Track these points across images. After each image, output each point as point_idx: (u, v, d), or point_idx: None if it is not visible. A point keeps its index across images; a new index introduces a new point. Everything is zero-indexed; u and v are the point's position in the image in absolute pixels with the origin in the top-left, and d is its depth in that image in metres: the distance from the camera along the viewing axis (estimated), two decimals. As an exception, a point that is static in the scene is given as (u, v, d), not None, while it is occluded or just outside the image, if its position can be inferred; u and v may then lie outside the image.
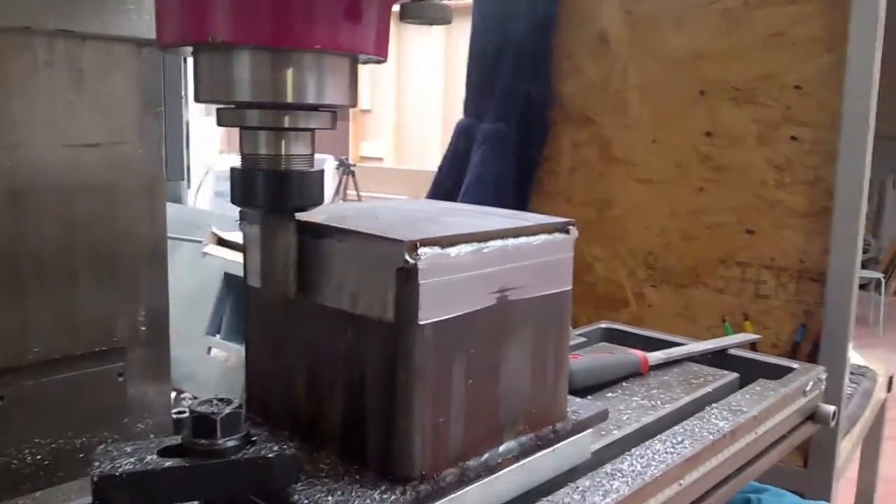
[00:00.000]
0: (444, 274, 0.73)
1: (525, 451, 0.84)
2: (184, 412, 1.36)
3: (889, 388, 2.86)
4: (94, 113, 1.12)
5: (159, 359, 1.26)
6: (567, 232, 0.87)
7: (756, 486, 1.48)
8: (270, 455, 0.70)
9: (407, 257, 0.69)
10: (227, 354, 2.99)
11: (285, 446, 0.72)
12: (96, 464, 0.69)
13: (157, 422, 1.24)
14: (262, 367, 0.86)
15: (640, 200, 2.34)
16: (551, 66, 2.40)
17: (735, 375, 1.29)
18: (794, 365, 1.34)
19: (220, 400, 0.73)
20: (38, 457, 1.10)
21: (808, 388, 1.28)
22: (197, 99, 0.73)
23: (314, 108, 0.73)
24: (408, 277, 0.70)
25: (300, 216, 0.77)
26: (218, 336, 3.06)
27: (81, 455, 1.11)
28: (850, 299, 2.00)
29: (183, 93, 1.52)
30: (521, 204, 2.40)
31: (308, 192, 0.75)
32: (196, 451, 0.70)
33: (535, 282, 0.83)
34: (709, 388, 1.21)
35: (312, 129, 0.75)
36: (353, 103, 0.76)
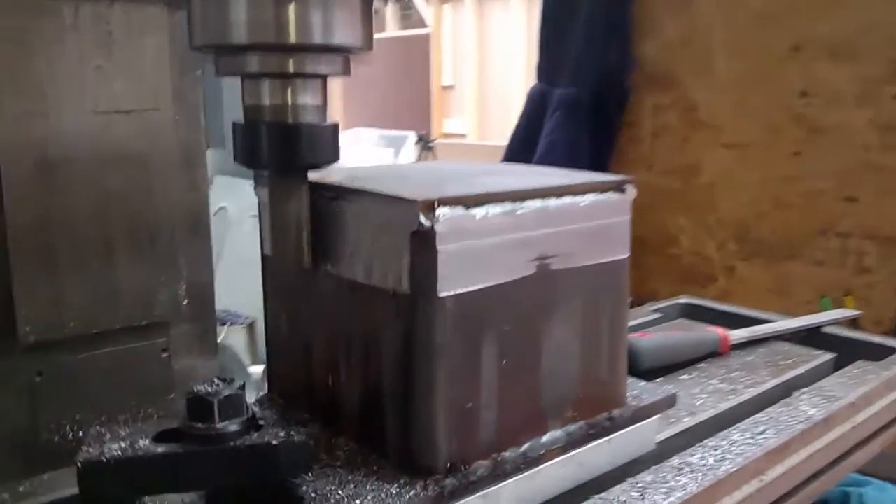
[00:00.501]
0: (469, 238, 0.63)
1: (574, 442, 0.73)
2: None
3: None
4: (125, 78, 1.06)
5: (205, 333, 1.21)
6: (623, 191, 0.75)
7: (857, 479, 1.33)
8: (275, 442, 0.63)
9: (422, 219, 0.60)
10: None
11: (293, 432, 0.64)
12: (84, 447, 0.62)
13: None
14: (281, 344, 0.79)
15: (728, 167, 2.17)
16: (629, 25, 2.25)
17: (831, 356, 1.14)
18: (899, 344, 1.19)
19: (223, 380, 0.66)
20: (81, 434, 1.06)
21: (916, 371, 1.13)
22: (192, 45, 0.65)
23: (323, 49, 0.64)
24: (424, 242, 0.61)
25: (313, 177, 0.68)
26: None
27: (127, 433, 1.07)
28: (967, 272, 1.80)
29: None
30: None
31: (320, 147, 0.66)
32: (192, 437, 0.63)
33: (584, 248, 0.72)
34: (799, 371, 1.08)
35: (323, 76, 0.66)
36: (368, 45, 0.66)
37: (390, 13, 6.40)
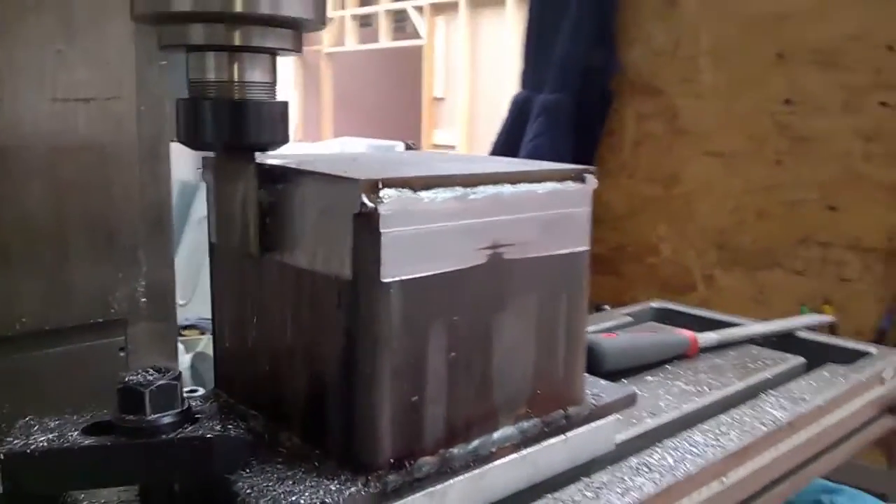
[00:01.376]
0: (416, 223, 0.60)
1: (528, 439, 0.71)
2: (196, 390, 1.29)
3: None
4: (87, 64, 1.04)
5: (165, 333, 1.18)
6: (583, 180, 0.73)
7: (829, 486, 1.31)
8: (210, 435, 0.60)
9: (365, 199, 0.57)
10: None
11: (231, 426, 0.61)
12: (10, 438, 0.59)
13: (160, 399, 1.15)
14: (227, 336, 0.76)
15: (710, 175, 2.16)
16: (615, 31, 2.24)
17: (800, 360, 1.12)
18: (872, 349, 1.17)
19: (158, 370, 0.63)
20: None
21: (888, 376, 1.11)
22: (133, 15, 0.63)
23: (271, 21, 0.61)
24: (367, 224, 0.58)
25: (260, 159, 0.66)
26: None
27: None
28: (946, 282, 1.78)
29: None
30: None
31: (268, 126, 0.64)
32: (123, 429, 0.60)
33: (541, 239, 0.70)
34: (767, 374, 1.06)
35: (272, 51, 0.63)
36: (321, 19, 0.64)
37: (384, 24, 6.40)
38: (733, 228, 2.13)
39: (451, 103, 7.34)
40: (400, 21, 6.96)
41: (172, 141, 1.17)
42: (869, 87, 1.91)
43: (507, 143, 2.28)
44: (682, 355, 1.10)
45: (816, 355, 1.15)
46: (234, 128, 0.63)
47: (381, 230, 0.58)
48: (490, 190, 0.66)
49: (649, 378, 1.03)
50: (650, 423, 0.88)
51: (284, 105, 0.65)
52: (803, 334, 1.25)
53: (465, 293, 0.65)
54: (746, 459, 0.85)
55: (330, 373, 0.63)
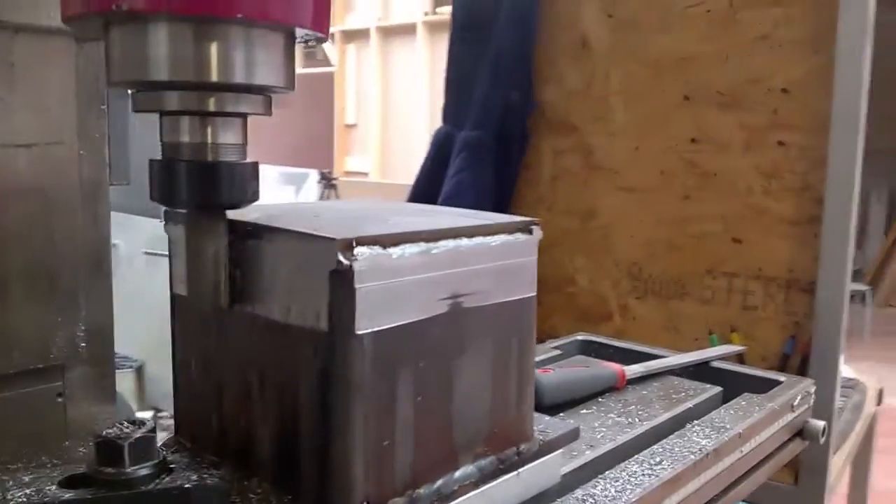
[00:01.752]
0: (386, 277, 0.65)
1: (485, 477, 0.75)
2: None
3: (879, 402, 2.79)
4: (27, 111, 1.04)
5: (103, 378, 1.17)
6: (530, 232, 0.79)
7: (745, 508, 1.39)
8: (188, 485, 0.62)
9: (341, 257, 0.61)
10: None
11: (206, 475, 0.64)
12: (-15, 495, 0.60)
13: (100, 445, 1.14)
14: (191, 386, 0.78)
15: (624, 209, 2.27)
16: (532, 71, 2.34)
17: (718, 389, 1.21)
18: (781, 378, 1.27)
19: (133, 422, 0.65)
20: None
21: (795, 403, 1.20)
22: (110, 82, 0.65)
23: (244, 89, 0.65)
24: (342, 280, 0.62)
25: (230, 214, 0.69)
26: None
27: (10, 482, 1.02)
28: (840, 310, 1.93)
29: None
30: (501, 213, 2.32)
31: (240, 186, 0.67)
32: (102, 481, 0.61)
33: (494, 287, 0.75)
34: (690, 404, 1.13)
35: (244, 115, 0.67)
36: (290, 86, 0.67)
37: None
38: (645, 260, 2.24)
39: (363, 130, 7.39)
40: (310, 48, 6.98)
41: (111, 185, 1.17)
42: (767, 127, 2.05)
43: (430, 178, 2.33)
44: (612, 387, 1.17)
45: (730, 383, 1.24)
46: (208, 188, 0.65)
47: (356, 286, 0.62)
48: (450, 244, 0.70)
49: (584, 411, 1.09)
50: (589, 454, 0.94)
51: (254, 165, 0.68)
52: (717, 364, 1.34)
53: (428, 341, 0.69)
54: (679, 486, 0.91)
55: (303, 420, 0.66)
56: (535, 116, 2.36)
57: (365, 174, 6.98)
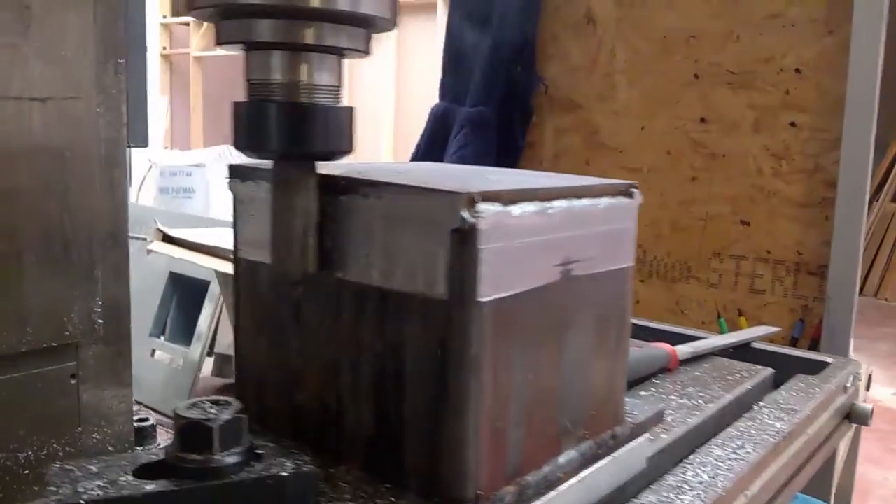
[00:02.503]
0: (506, 238, 0.57)
1: (585, 462, 0.69)
2: (146, 419, 1.18)
3: (867, 386, 2.79)
4: (42, 60, 0.93)
5: (119, 358, 1.07)
6: (631, 196, 0.72)
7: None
8: (285, 474, 0.54)
9: (465, 214, 0.54)
10: (170, 357, 2.78)
11: (299, 461, 0.55)
12: (53, 488, 0.51)
13: (116, 432, 1.04)
14: (258, 361, 0.69)
15: (627, 190, 2.22)
16: (536, 48, 2.27)
17: (770, 371, 1.16)
18: (828, 359, 1.22)
19: (214, 402, 0.56)
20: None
21: (848, 384, 1.16)
22: (191, 7, 0.56)
23: (347, 19, 0.56)
24: (465, 241, 0.54)
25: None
26: (162, 338, 2.84)
27: (27, 472, 0.92)
28: (852, 293, 1.90)
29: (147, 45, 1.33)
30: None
31: (336, 134, 0.59)
32: (186, 470, 0.53)
33: (600, 254, 0.68)
34: (748, 385, 1.08)
35: (342, 51, 0.58)
36: (394, 20, 0.59)
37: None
38: (651, 242, 2.19)
39: (375, 113, 7.24)
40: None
41: (129, 146, 1.07)
42: (778, 108, 2.01)
43: (429, 154, 2.25)
44: (664, 369, 1.11)
45: (778, 365, 1.19)
46: (301, 134, 0.57)
47: (480, 246, 0.55)
48: (563, 204, 0.63)
49: (643, 393, 1.03)
50: (666, 438, 0.88)
51: (351, 111, 0.60)
52: (758, 345, 1.29)
53: (541, 312, 0.62)
54: (763, 470, 0.86)
55: (408, 398, 0.59)
56: (538, 94, 2.29)
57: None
